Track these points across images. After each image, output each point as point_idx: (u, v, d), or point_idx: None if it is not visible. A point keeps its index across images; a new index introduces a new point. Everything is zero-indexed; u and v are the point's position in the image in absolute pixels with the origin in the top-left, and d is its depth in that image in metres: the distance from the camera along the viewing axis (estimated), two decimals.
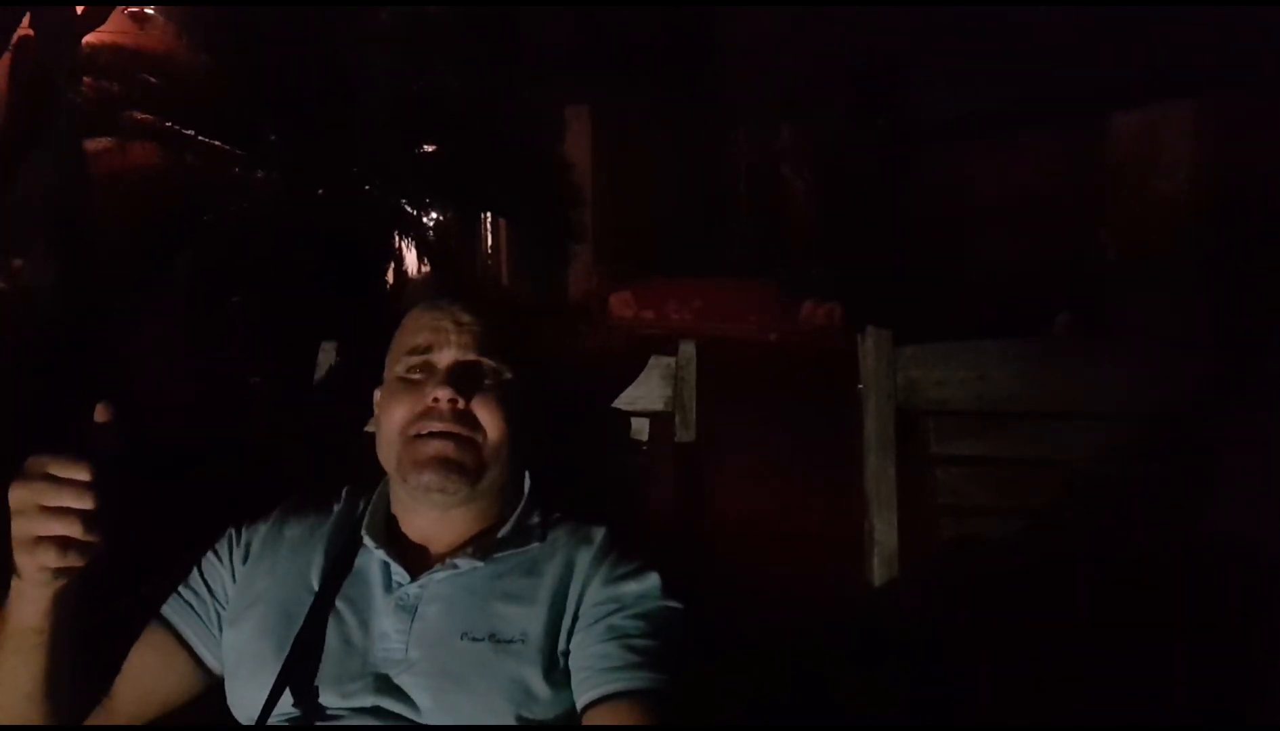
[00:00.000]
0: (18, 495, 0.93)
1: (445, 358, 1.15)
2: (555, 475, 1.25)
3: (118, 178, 4.79)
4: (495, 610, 1.09)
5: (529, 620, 1.08)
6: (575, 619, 1.10)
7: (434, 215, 7.70)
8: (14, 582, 0.98)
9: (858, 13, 9.09)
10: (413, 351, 1.16)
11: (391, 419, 1.14)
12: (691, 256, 10.79)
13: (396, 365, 1.18)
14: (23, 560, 0.95)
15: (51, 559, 0.93)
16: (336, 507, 1.24)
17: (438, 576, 1.12)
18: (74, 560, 0.94)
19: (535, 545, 1.16)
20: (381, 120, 4.99)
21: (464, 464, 1.11)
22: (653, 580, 1.11)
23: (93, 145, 4.90)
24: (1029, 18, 8.08)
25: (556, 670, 1.06)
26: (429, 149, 5.66)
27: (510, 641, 1.06)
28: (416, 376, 1.15)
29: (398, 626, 1.09)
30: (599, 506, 1.24)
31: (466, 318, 1.17)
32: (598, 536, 1.17)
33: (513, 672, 1.04)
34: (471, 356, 1.15)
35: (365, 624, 1.10)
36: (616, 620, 1.08)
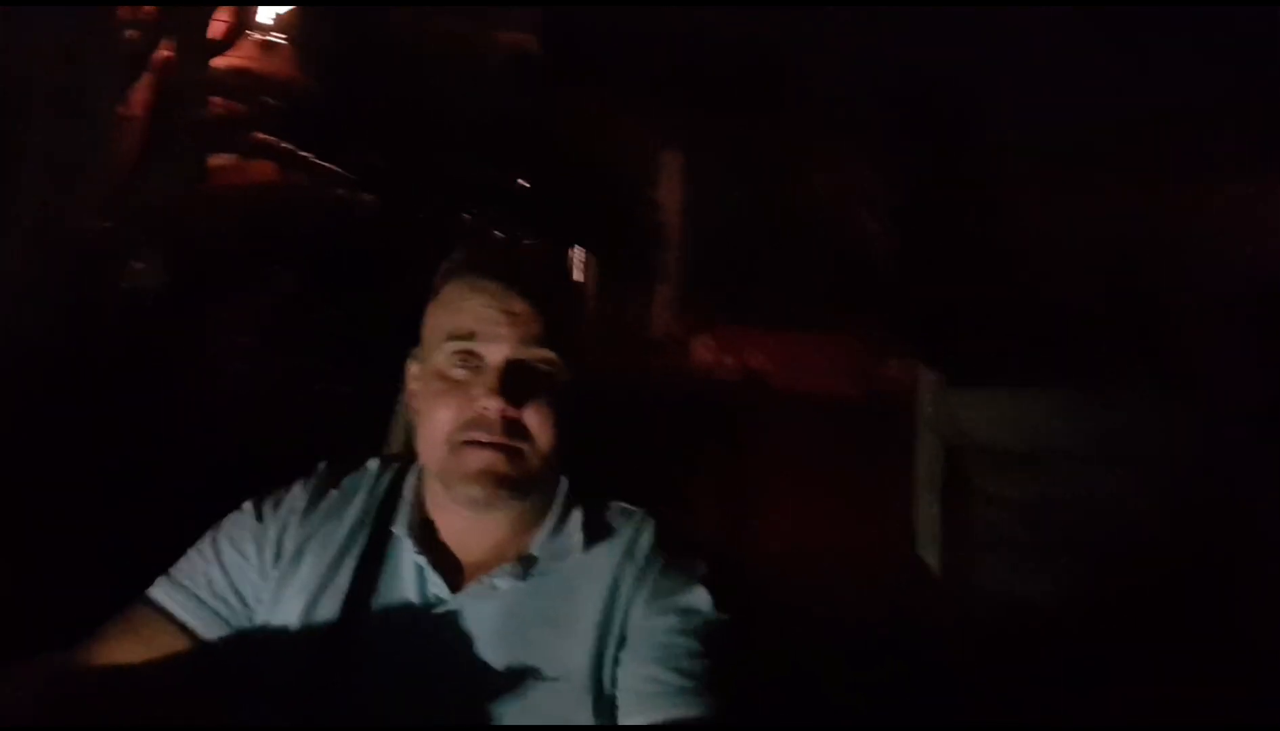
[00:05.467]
0: None
1: (495, 354, 1.03)
2: (596, 467, 1.15)
3: (234, 192, 5.10)
4: (536, 639, 1.02)
5: (572, 653, 1.02)
6: (621, 642, 1.03)
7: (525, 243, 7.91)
8: None
9: (942, 50, 9.08)
10: (456, 336, 1.05)
11: (435, 421, 1.05)
12: (776, 303, 10.82)
13: (437, 351, 1.07)
14: None
15: None
16: (364, 489, 1.15)
17: (476, 598, 1.05)
18: None
19: (575, 556, 1.08)
20: (479, 150, 5.22)
21: (512, 477, 1.03)
22: (701, 594, 1.05)
23: (214, 161, 5.23)
24: (1125, 56, 7.96)
25: (604, 699, 1.00)
26: (523, 181, 5.88)
27: (555, 679, 1.00)
28: (461, 374, 1.04)
29: (434, 649, 1.03)
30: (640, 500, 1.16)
31: (520, 306, 1.04)
32: (641, 548, 1.09)
33: (556, 710, 0.99)
34: (523, 353, 1.04)
35: (399, 638, 1.04)
36: (663, 639, 1.01)
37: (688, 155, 10.54)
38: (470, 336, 1.03)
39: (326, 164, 5.20)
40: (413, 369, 1.14)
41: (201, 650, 1.06)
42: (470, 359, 1.04)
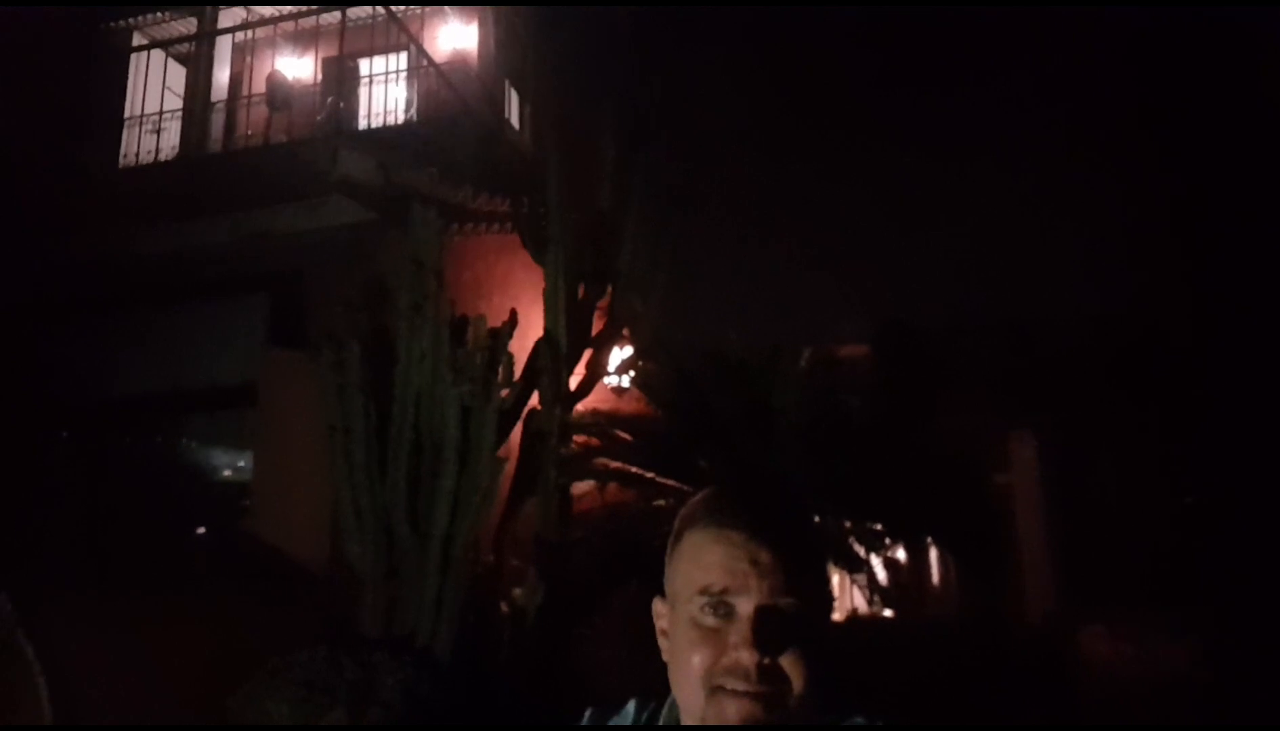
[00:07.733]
0: None
1: (746, 605, 1.08)
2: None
3: (590, 513, 5.84)
4: None
5: None
6: None
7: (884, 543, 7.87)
8: None
9: None
10: (706, 591, 1.10)
11: (690, 667, 1.10)
12: (1164, 585, 9.62)
13: (688, 602, 1.12)
14: None
15: None
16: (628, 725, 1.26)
17: None
18: None
19: None
20: (797, 449, 5.58)
21: (771, 723, 1.07)
22: None
23: (576, 488, 6.05)
24: None
25: None
26: (846, 476, 6.09)
27: None
28: (712, 621, 1.10)
29: None
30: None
31: (766, 557, 1.09)
32: None
33: None
34: (773, 601, 1.08)
35: None
36: None
37: (1041, 435, 10.18)
38: (720, 589, 1.09)
39: (666, 479, 5.82)
40: (660, 608, 1.20)
41: None
42: (722, 607, 1.09)
